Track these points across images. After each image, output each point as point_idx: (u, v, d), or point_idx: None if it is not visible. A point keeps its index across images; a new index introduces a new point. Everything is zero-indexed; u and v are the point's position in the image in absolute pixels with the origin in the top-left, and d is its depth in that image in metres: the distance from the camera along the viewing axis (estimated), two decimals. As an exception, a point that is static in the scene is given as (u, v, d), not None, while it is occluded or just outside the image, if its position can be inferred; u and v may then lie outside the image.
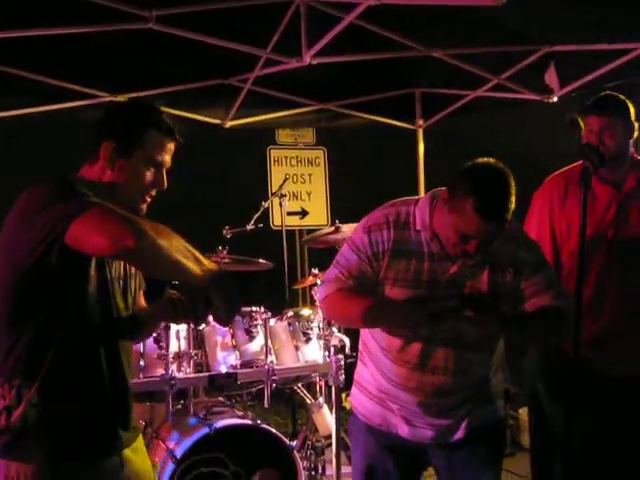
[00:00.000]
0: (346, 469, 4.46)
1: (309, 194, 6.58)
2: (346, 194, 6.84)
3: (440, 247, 2.60)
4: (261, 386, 4.21)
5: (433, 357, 2.65)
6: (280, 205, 5.51)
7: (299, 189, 6.23)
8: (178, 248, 2.04)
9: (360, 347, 2.94)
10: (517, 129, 6.21)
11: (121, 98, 5.75)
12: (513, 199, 2.45)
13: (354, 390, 2.97)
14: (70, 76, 5.39)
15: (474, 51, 4.98)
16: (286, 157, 6.75)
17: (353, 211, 4.86)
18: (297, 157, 6.80)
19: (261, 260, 4.49)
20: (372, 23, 4.37)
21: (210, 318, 2.74)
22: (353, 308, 2.69)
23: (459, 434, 2.76)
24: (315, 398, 4.76)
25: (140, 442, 2.48)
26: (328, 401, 4.70)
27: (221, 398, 4.42)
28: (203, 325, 4.16)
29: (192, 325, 3.96)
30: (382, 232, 2.65)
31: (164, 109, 5.76)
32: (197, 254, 2.10)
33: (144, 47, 4.76)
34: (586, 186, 2.62)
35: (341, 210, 6.55)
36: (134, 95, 5.73)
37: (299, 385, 4.83)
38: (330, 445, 4.53)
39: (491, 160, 2.53)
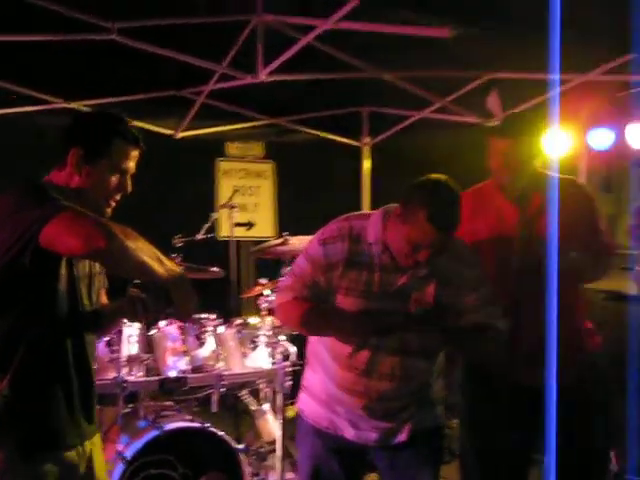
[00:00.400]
0: (289, 475, 4.62)
1: (256, 206, 6.72)
2: (293, 207, 6.98)
3: (390, 259, 2.75)
4: (209, 391, 4.34)
5: (380, 364, 2.79)
6: (230, 217, 5.63)
7: (247, 201, 6.36)
8: (144, 249, 2.19)
9: (308, 354, 3.08)
10: (459, 149, 6.43)
11: (75, 105, 5.84)
12: (460, 210, 2.65)
13: (302, 395, 3.10)
14: (25, 81, 5.46)
15: (422, 74, 5.18)
16: (235, 169, 6.89)
17: (300, 224, 5.03)
18: (245, 170, 6.94)
19: (213, 268, 4.61)
20: (326, 44, 4.52)
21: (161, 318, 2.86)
22: (307, 317, 2.85)
23: (402, 437, 2.90)
24: (260, 405, 4.90)
25: (97, 437, 2.59)
26: (273, 407, 4.86)
27: (170, 402, 4.51)
28: (154, 330, 4.28)
29: (148, 323, 4.07)
30: (336, 244, 2.78)
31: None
32: (160, 256, 2.26)
33: (100, 56, 4.84)
34: None
35: (288, 222, 6.69)
36: (88, 102, 5.84)
37: (243, 392, 4.96)
38: (273, 451, 4.68)
39: (441, 175, 2.70)
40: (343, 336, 2.81)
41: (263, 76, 4.64)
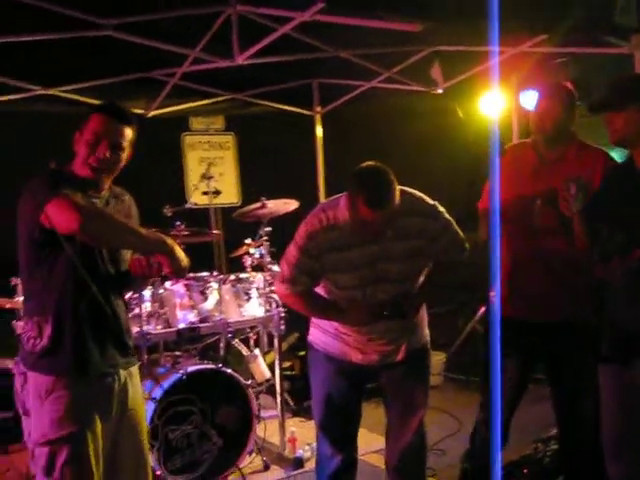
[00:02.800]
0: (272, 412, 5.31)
1: (221, 175, 7.27)
2: (254, 174, 7.55)
3: (360, 235, 3.22)
4: (215, 338, 5.00)
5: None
6: (206, 186, 6.25)
7: (212, 171, 6.86)
8: (129, 224, 2.88)
9: None
10: (404, 116, 7.09)
11: (53, 91, 6.26)
12: (395, 187, 3.09)
13: (313, 330, 3.68)
14: (4, 71, 5.83)
15: (374, 52, 5.81)
16: (199, 142, 7.44)
17: (261, 189, 5.63)
18: (209, 142, 7.50)
19: (215, 231, 5.22)
20: (296, 31, 5.08)
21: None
22: (309, 311, 3.53)
23: (400, 356, 3.56)
24: (251, 350, 5.56)
25: (136, 370, 3.20)
26: (261, 352, 5.53)
27: (177, 352, 5.12)
28: (161, 290, 4.88)
29: (152, 282, 4.61)
30: (318, 235, 3.28)
31: (90, 100, 6.31)
32: (140, 228, 2.91)
33: (77, 44, 5.10)
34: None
35: (250, 188, 7.30)
36: (65, 88, 6.26)
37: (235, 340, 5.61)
38: (262, 391, 5.37)
39: (372, 163, 3.17)
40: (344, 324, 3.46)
41: (240, 60, 5.17)
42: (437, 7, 4.53)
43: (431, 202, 3.40)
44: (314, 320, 3.69)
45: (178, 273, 2.90)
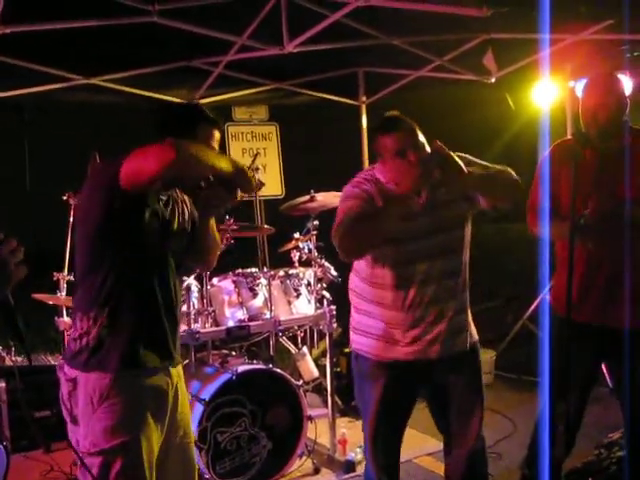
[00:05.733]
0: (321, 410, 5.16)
1: (264, 167, 7.10)
2: (298, 165, 7.37)
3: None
4: (264, 336, 4.83)
5: (423, 295, 3.26)
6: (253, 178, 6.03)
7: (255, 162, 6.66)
8: (206, 151, 2.71)
9: (355, 297, 3.47)
10: (454, 106, 6.89)
11: (95, 80, 6.16)
12: (408, 120, 3.16)
13: (355, 337, 3.46)
14: (48, 61, 5.73)
15: (426, 39, 5.61)
16: (242, 133, 7.26)
17: (304, 181, 5.45)
18: (252, 132, 7.33)
19: (266, 226, 5.05)
20: (348, 17, 4.90)
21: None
22: (375, 220, 3.19)
23: (458, 347, 3.36)
24: (299, 348, 5.40)
25: (180, 368, 3.06)
26: (309, 350, 5.38)
27: (225, 351, 4.98)
28: (208, 287, 4.72)
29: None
30: (366, 186, 3.26)
31: (132, 90, 6.24)
32: (219, 153, 2.85)
33: (117, 33, 5.07)
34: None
35: (294, 180, 7.12)
36: (107, 77, 6.15)
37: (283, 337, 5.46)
38: (309, 390, 5.22)
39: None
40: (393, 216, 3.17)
41: (290, 47, 5.01)
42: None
43: None
44: (355, 325, 3.49)
45: (251, 190, 2.96)
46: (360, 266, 3.39)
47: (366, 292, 3.38)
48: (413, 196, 3.12)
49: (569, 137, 3.91)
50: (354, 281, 3.48)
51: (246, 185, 2.88)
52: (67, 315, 4.94)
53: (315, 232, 5.20)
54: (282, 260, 5.44)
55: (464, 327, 3.41)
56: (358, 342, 3.45)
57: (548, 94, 6.23)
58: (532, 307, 6.90)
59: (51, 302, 5.05)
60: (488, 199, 3.28)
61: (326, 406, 5.01)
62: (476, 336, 3.51)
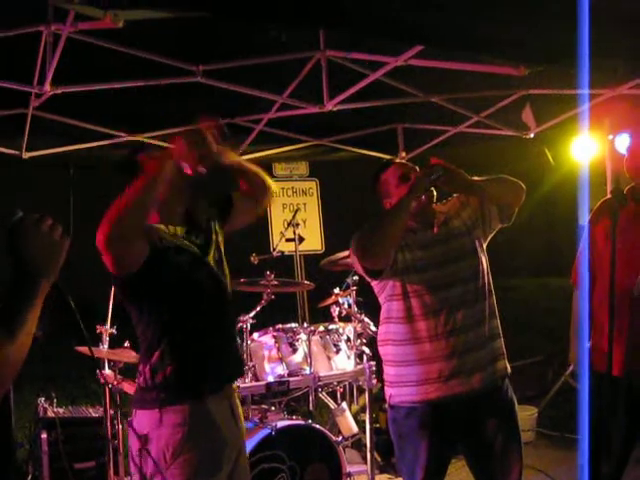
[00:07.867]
0: (360, 467, 5.12)
1: (304, 222, 7.18)
2: (338, 220, 7.44)
3: (418, 225, 3.41)
4: (303, 391, 4.83)
5: (454, 320, 3.28)
6: (294, 233, 6.12)
7: (297, 218, 6.76)
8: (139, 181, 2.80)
9: (386, 355, 3.46)
10: (493, 161, 6.91)
11: (139, 137, 6.30)
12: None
13: (392, 390, 3.44)
14: (93, 118, 5.91)
15: (464, 96, 5.67)
16: (283, 188, 7.36)
17: (344, 236, 5.49)
18: (292, 188, 7.43)
19: (306, 281, 5.09)
20: (387, 77, 4.97)
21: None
22: (386, 216, 3.37)
23: (501, 372, 3.39)
24: (338, 404, 5.38)
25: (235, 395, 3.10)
26: (349, 405, 5.35)
27: (264, 406, 4.98)
28: (249, 342, 4.75)
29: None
30: None
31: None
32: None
33: (161, 91, 5.17)
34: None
35: (333, 235, 7.17)
36: (149, 135, 6.30)
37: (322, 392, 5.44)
38: (348, 446, 5.18)
39: None
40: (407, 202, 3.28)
41: (330, 106, 5.09)
42: (536, 50, 4.37)
43: None
44: (390, 380, 3.47)
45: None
46: (391, 307, 3.41)
47: (400, 332, 3.37)
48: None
49: (609, 196, 3.87)
50: (385, 329, 3.47)
51: (202, 148, 2.90)
52: (109, 368, 4.99)
53: (355, 287, 5.23)
54: (322, 315, 5.48)
55: (500, 353, 3.43)
56: (397, 394, 3.42)
57: (587, 149, 6.23)
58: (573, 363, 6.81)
59: (95, 355, 5.11)
60: (494, 196, 3.47)
61: (365, 462, 4.99)
62: (507, 369, 3.47)
